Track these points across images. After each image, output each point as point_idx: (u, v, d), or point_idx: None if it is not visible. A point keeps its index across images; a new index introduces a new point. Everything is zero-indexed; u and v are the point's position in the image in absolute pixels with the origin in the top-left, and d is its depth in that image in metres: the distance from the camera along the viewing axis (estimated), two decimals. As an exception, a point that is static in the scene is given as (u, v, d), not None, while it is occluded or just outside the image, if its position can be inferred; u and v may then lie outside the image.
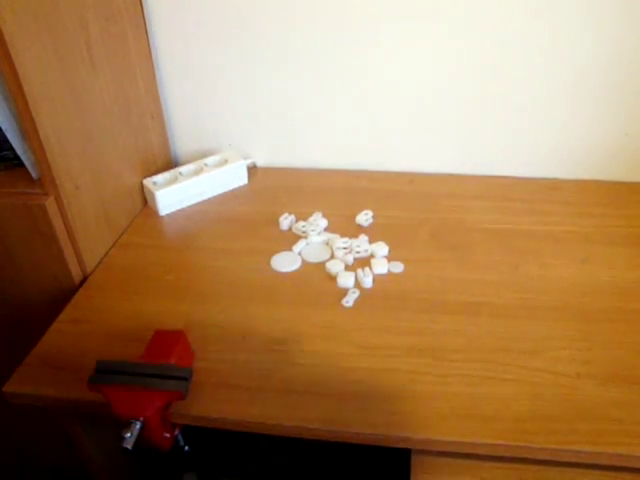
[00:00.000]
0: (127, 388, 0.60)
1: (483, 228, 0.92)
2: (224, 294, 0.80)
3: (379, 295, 0.79)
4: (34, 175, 0.79)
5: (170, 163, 1.13)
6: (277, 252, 0.88)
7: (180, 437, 0.69)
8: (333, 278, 0.82)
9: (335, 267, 0.83)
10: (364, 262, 0.85)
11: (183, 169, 1.03)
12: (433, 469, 0.65)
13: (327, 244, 0.90)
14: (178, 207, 1.00)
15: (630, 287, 0.79)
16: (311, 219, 0.95)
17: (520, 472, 0.64)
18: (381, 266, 0.84)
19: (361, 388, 0.65)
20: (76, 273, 0.83)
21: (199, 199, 1.02)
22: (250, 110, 1.08)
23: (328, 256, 0.87)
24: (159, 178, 1.01)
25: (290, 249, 0.89)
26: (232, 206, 1.01)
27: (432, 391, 0.65)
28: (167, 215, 0.99)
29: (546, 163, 1.05)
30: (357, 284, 0.81)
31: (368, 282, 0.81)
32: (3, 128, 0.75)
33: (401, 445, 0.62)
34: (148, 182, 0.99)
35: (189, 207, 1.01)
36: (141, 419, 0.59)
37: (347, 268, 0.84)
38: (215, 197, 1.04)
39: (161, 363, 0.63)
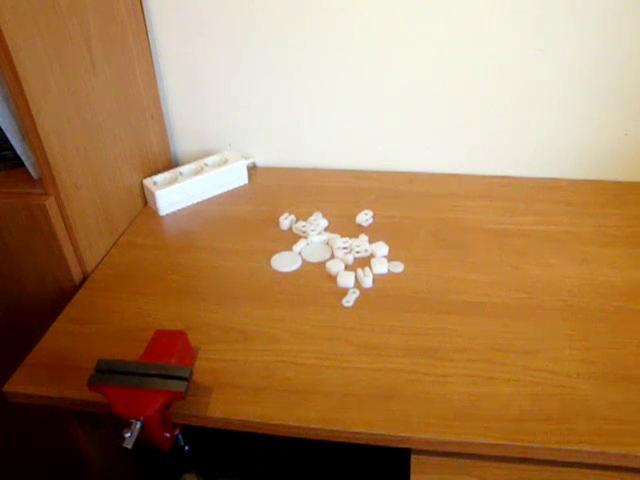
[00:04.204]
0: (127, 388, 0.60)
1: (483, 228, 0.92)
2: (224, 294, 0.80)
3: (379, 295, 0.79)
4: (34, 175, 0.79)
5: (170, 163, 1.13)
6: (277, 252, 0.88)
7: (180, 437, 0.69)
8: (333, 278, 0.82)
9: (335, 267, 0.83)
10: (364, 262, 0.85)
11: (183, 169, 1.03)
12: (433, 469, 0.65)
13: (327, 244, 0.90)
14: (178, 207, 1.00)
15: (630, 287, 0.79)
16: (311, 219, 0.95)
17: (520, 472, 0.64)
18: (381, 266, 0.84)
19: (361, 388, 0.65)
20: (76, 273, 0.83)
21: (199, 199, 1.02)
22: (250, 110, 1.08)
23: (328, 256, 0.87)
24: (159, 178, 1.01)
25: (290, 249, 0.89)
26: (232, 206, 1.01)
27: (432, 391, 0.65)
28: (167, 215, 0.99)
29: (546, 163, 1.05)
30: (357, 284, 0.81)
31: (368, 282, 0.81)
32: (3, 128, 0.75)
33: (401, 445, 0.62)
34: (148, 182, 0.99)
35: (189, 207, 1.01)
36: (141, 419, 0.59)
37: (347, 268, 0.84)
38: (215, 197, 1.04)
39: (161, 363, 0.63)
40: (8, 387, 0.67)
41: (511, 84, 0.98)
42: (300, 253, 0.88)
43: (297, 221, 0.95)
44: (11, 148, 0.77)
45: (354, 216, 0.95)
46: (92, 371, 0.63)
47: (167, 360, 0.64)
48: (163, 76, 1.06)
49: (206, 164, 1.04)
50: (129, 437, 0.57)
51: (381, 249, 0.87)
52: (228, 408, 0.64)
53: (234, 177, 1.06)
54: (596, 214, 0.94)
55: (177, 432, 0.67)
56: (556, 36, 0.92)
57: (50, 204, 0.76)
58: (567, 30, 0.91)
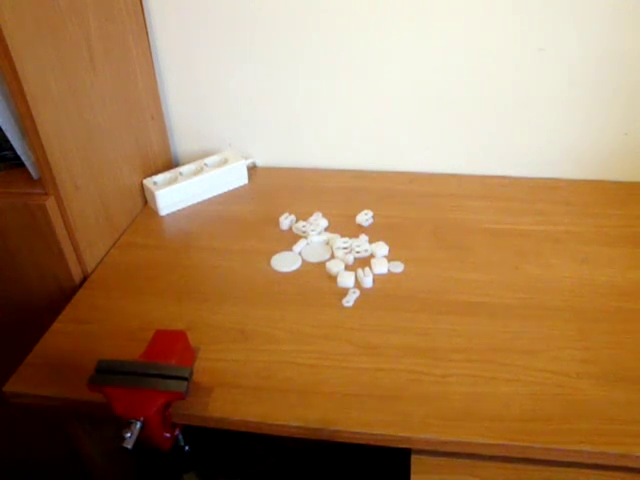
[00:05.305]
0: (127, 388, 0.60)
1: (483, 228, 0.92)
2: (224, 294, 0.80)
3: (379, 295, 0.79)
4: (34, 175, 0.79)
5: (170, 163, 1.13)
6: (277, 252, 0.88)
7: (180, 437, 0.69)
8: (333, 278, 0.82)
9: (335, 267, 0.83)
10: (364, 262, 0.85)
11: (183, 169, 1.03)
12: (433, 469, 0.65)
13: (327, 244, 0.90)
14: (178, 207, 1.00)
15: (630, 287, 0.79)
16: (311, 219, 0.95)
17: (520, 472, 0.64)
18: (381, 266, 0.84)
19: (361, 388, 0.65)
20: (76, 273, 0.83)
21: (199, 199, 1.02)
22: (250, 110, 1.08)
23: (328, 256, 0.87)
24: (159, 178, 1.01)
25: (290, 249, 0.89)
26: (232, 206, 1.01)
27: (432, 391, 0.65)
28: (167, 215, 0.99)
29: (546, 163, 1.05)
30: (357, 284, 0.81)
31: (368, 282, 0.81)
32: (3, 128, 0.75)
33: (401, 445, 0.62)
34: (148, 182, 0.99)
35: (189, 207, 1.01)
36: (141, 419, 0.59)
37: (347, 268, 0.84)
38: (215, 197, 1.04)
39: (161, 363, 0.63)
40: (8, 387, 0.67)
41: (511, 84, 0.98)
42: (300, 253, 0.88)
43: (297, 221, 0.95)
44: (11, 148, 0.77)
45: (354, 216, 0.95)
46: (92, 371, 0.63)
47: (167, 360, 0.64)
48: (163, 76, 1.06)
49: (206, 164, 1.04)
50: (129, 437, 0.57)
51: (381, 249, 0.87)
52: (228, 408, 0.64)
53: (234, 177, 1.06)
54: (596, 214, 0.94)
55: (177, 432, 0.66)
56: (556, 36, 0.92)
57: (50, 204, 0.76)
58: (567, 29, 0.91)
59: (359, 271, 0.82)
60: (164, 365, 0.63)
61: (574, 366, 0.67)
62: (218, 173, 1.03)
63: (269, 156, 1.13)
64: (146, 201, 1.02)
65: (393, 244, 0.88)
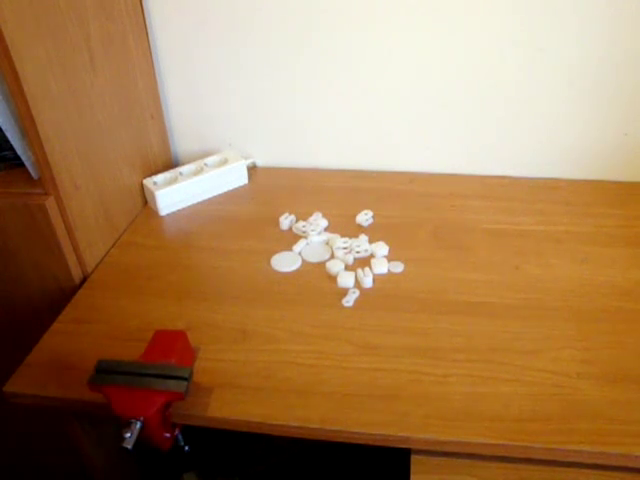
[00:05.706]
0: (127, 388, 0.60)
1: (483, 228, 0.92)
2: (224, 294, 0.80)
3: (379, 295, 0.79)
4: (34, 175, 0.79)
5: (170, 163, 1.13)
6: (277, 252, 0.88)
7: (180, 437, 0.69)
8: (333, 278, 0.82)
9: (335, 267, 0.83)
10: (364, 262, 0.85)
11: (183, 169, 1.03)
12: (433, 469, 0.65)
13: (327, 244, 0.90)
14: (178, 207, 1.00)
15: (630, 287, 0.79)
16: (311, 219, 0.95)
17: (520, 472, 0.64)
18: (381, 266, 0.84)
19: (361, 388, 0.65)
20: (76, 273, 0.83)
21: (199, 199, 1.02)
22: (250, 110, 1.08)
23: (328, 256, 0.87)
24: (159, 178, 1.01)
25: (290, 249, 0.89)
26: (232, 206, 1.01)
27: (432, 391, 0.65)
28: (167, 215, 0.99)
29: (546, 163, 1.05)
30: (357, 284, 0.81)
31: (368, 282, 0.81)
32: (3, 128, 0.75)
33: (401, 445, 0.62)
34: (148, 182, 0.99)
35: (189, 207, 1.01)
36: (141, 419, 0.59)
37: (347, 268, 0.84)
38: (215, 197, 1.04)
39: (161, 363, 0.63)
40: (8, 387, 0.67)
41: (511, 84, 0.98)
42: (300, 253, 0.88)
43: (297, 221, 0.95)
44: (11, 148, 0.77)
45: (354, 216, 0.95)
46: (92, 371, 0.63)
47: (167, 360, 0.64)
48: (163, 76, 1.06)
49: (206, 164, 1.04)
50: (129, 437, 0.57)
51: (381, 249, 0.87)
52: (228, 408, 0.64)
53: (234, 177, 1.06)
54: (596, 214, 0.94)
55: (177, 432, 0.66)
56: (556, 36, 0.92)
57: (50, 204, 0.76)
58: (567, 29, 0.91)
59: (359, 271, 0.82)
60: (164, 365, 0.63)
61: (574, 366, 0.67)
62: (218, 173, 1.03)
63: (269, 156, 1.13)
64: (146, 201, 1.02)
65: (393, 244, 0.88)
